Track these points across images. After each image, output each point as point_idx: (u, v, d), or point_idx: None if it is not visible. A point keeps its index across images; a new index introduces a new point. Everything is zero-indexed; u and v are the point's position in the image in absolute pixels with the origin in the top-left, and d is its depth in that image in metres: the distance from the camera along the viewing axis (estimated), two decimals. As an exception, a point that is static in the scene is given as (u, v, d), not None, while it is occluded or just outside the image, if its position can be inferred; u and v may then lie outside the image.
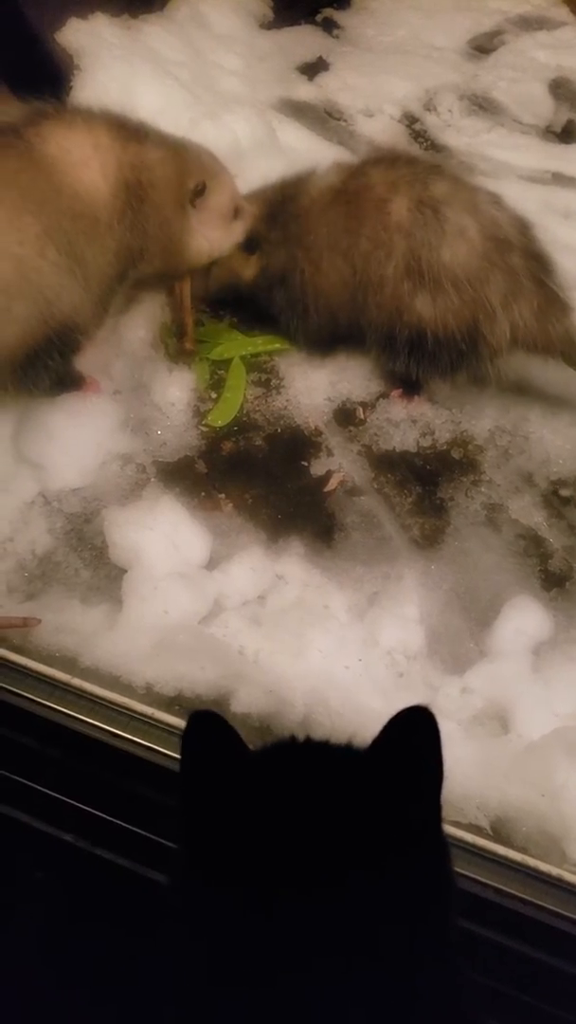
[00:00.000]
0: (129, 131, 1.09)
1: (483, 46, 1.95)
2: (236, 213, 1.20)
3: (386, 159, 1.24)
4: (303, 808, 0.53)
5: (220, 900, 0.51)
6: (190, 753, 0.54)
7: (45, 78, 1.25)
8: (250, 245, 1.22)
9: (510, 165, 1.65)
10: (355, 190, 1.18)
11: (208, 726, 0.55)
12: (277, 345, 1.30)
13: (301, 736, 0.58)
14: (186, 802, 0.54)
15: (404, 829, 0.52)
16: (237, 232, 1.22)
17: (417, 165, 1.22)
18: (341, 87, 1.77)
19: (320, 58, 1.86)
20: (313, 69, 1.83)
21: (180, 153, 1.12)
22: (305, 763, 0.57)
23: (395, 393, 1.25)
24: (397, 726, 0.55)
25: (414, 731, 0.54)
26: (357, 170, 1.21)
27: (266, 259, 1.24)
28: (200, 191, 1.11)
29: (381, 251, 1.15)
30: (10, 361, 1.05)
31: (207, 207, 1.14)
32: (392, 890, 0.51)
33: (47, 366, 1.08)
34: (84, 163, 1.03)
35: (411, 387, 1.24)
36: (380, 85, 1.79)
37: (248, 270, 1.25)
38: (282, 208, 1.22)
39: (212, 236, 1.17)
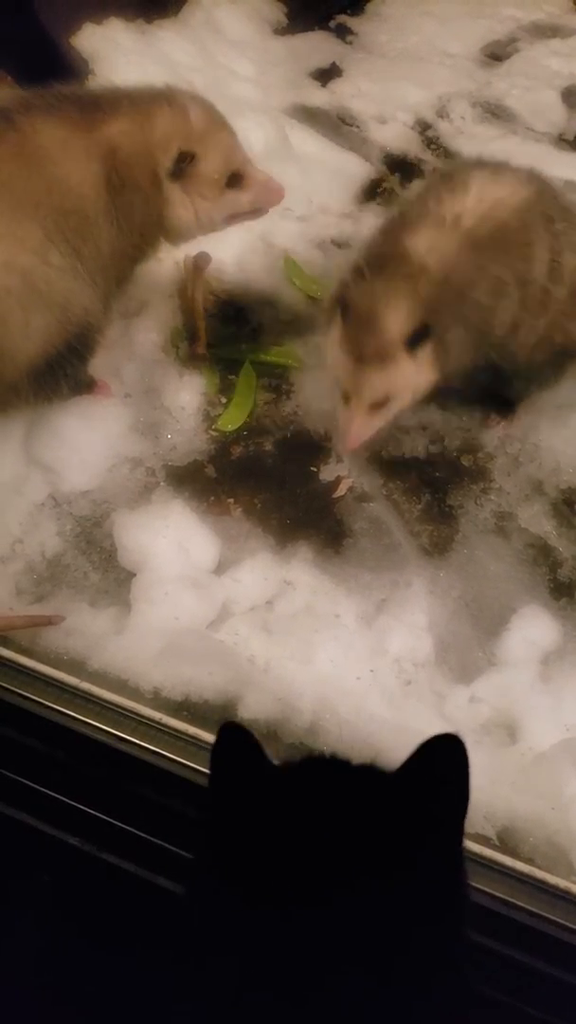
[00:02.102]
0: (100, 109, 1.01)
1: (496, 53, 1.95)
2: (234, 180, 1.08)
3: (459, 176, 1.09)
4: (328, 828, 0.53)
5: (243, 912, 0.51)
6: (219, 767, 0.55)
7: (59, 82, 1.25)
8: (416, 338, 1.00)
9: (522, 173, 1.64)
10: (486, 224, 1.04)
11: (237, 740, 0.55)
12: (289, 361, 1.29)
13: (328, 752, 0.59)
14: (214, 814, 0.55)
15: (425, 852, 0.53)
16: (236, 204, 1.10)
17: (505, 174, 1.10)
18: (354, 93, 1.78)
19: (333, 64, 1.86)
20: (326, 75, 1.84)
21: (151, 121, 1.03)
22: (332, 783, 0.57)
23: (497, 422, 1.23)
24: (428, 751, 0.55)
25: (444, 758, 0.54)
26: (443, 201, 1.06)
27: (450, 334, 1.03)
28: (185, 159, 1.03)
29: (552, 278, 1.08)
30: (31, 373, 1.04)
31: (194, 175, 1.05)
32: (410, 910, 0.51)
33: (66, 373, 1.07)
34: (65, 153, 0.98)
35: (508, 409, 1.23)
36: (393, 91, 1.79)
37: (423, 375, 1.04)
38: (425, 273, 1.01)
39: (201, 206, 1.08)
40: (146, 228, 1.08)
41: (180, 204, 1.08)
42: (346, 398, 1.04)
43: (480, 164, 1.12)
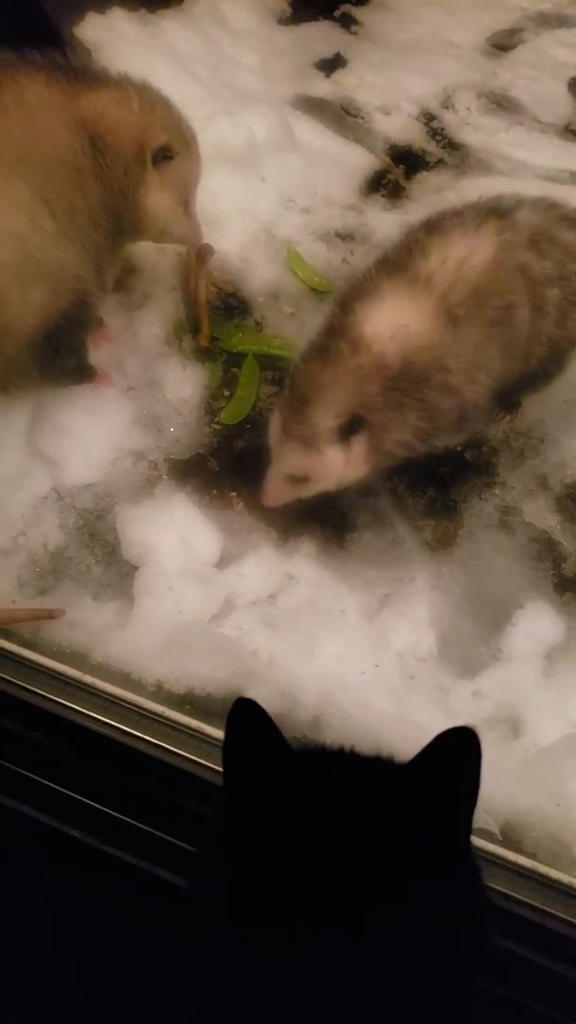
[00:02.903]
0: (92, 79, 1.03)
1: (502, 43, 1.94)
2: (184, 205, 1.13)
3: (433, 233, 1.02)
4: (341, 818, 0.53)
5: (256, 904, 0.51)
6: (233, 740, 0.54)
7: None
8: (347, 430, 0.96)
9: (528, 164, 1.63)
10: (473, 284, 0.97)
11: (251, 714, 0.55)
12: (292, 353, 1.29)
13: (342, 745, 0.59)
14: (228, 789, 0.54)
15: (436, 845, 0.53)
16: (180, 224, 1.14)
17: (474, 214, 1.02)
18: (358, 84, 1.76)
19: (338, 54, 1.84)
20: (331, 65, 1.82)
21: (147, 103, 1.06)
22: (346, 770, 0.57)
23: (501, 416, 1.21)
24: (442, 743, 0.55)
25: (458, 750, 0.54)
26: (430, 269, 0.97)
27: (388, 432, 0.98)
28: (166, 155, 1.07)
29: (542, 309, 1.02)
30: (31, 348, 1.03)
31: (168, 173, 1.09)
32: (423, 903, 0.51)
33: (68, 346, 1.07)
34: (50, 107, 0.98)
35: (512, 403, 1.21)
36: (398, 82, 1.77)
37: (352, 465, 1.00)
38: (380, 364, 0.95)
39: (167, 203, 1.11)
40: (126, 196, 1.07)
41: (155, 189, 1.09)
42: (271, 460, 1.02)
43: (451, 215, 1.03)
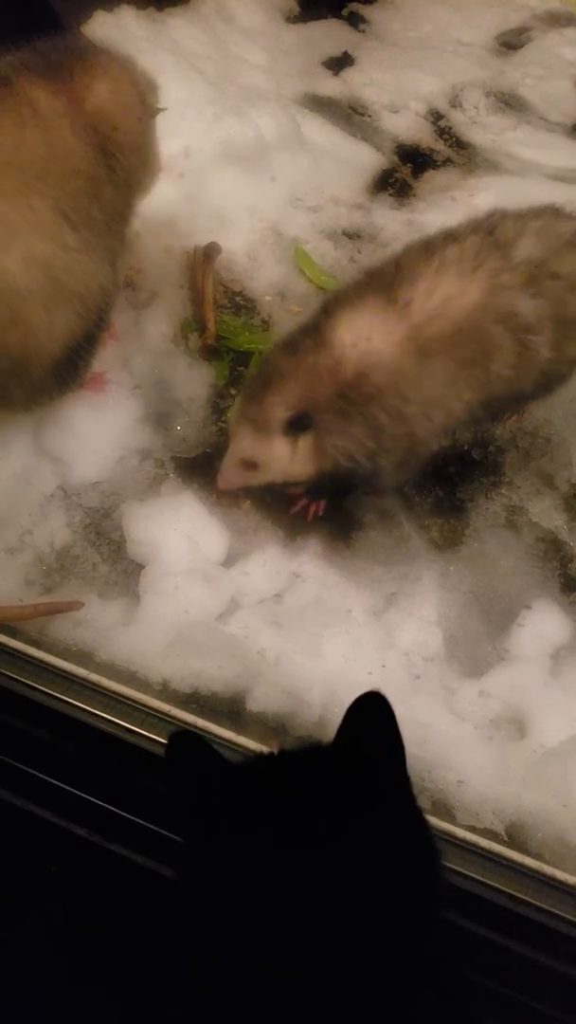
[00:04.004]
0: (80, 70, 0.99)
1: (510, 42, 1.93)
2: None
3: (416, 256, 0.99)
4: (285, 798, 0.55)
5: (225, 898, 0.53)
6: (172, 772, 0.58)
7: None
8: (294, 426, 0.97)
9: (536, 163, 1.63)
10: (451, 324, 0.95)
11: (189, 746, 0.58)
12: None
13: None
14: (176, 811, 0.58)
15: (377, 801, 0.55)
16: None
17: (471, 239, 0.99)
18: (366, 82, 1.76)
19: (345, 53, 1.84)
20: (338, 64, 1.82)
21: (133, 79, 1.04)
22: (282, 767, 0.59)
23: (508, 416, 1.20)
24: (354, 714, 0.58)
25: (370, 714, 0.58)
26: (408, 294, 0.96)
27: (333, 438, 0.98)
28: (154, 112, 1.07)
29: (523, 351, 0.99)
30: (56, 368, 1.03)
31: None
32: (372, 854, 0.53)
33: (88, 357, 1.07)
34: (56, 111, 0.95)
35: (519, 403, 1.19)
36: (406, 81, 1.77)
37: (298, 464, 1.00)
38: (336, 373, 0.95)
39: (158, 152, 1.09)
40: (137, 180, 1.07)
41: (156, 145, 1.09)
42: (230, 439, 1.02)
43: (453, 243, 0.99)
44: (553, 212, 1.05)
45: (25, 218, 0.93)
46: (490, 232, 0.99)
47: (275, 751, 0.60)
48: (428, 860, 0.57)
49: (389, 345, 0.94)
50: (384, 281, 0.98)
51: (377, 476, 1.03)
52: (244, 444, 1.00)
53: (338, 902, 0.51)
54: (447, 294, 0.95)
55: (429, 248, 1.00)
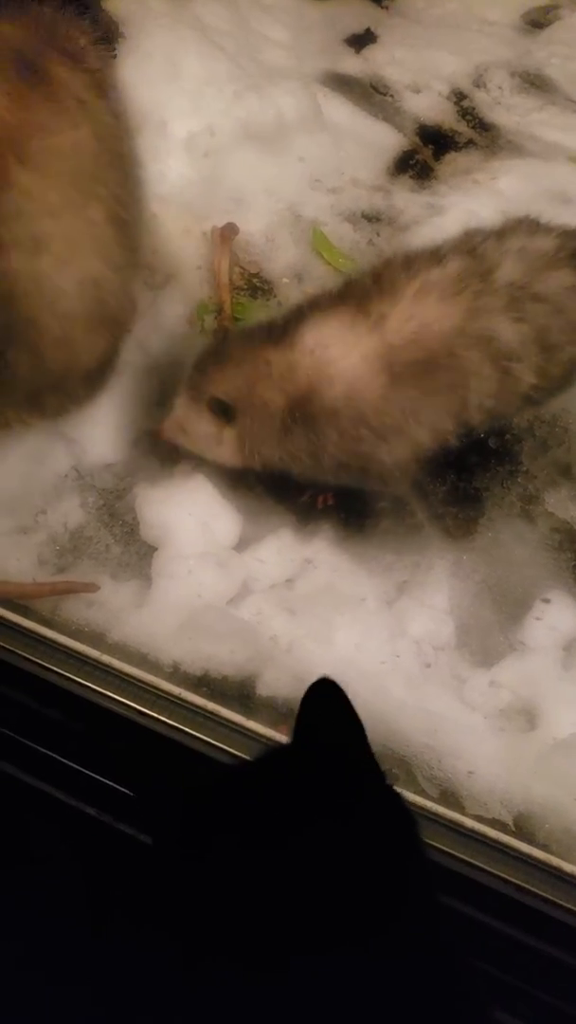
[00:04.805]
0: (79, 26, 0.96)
1: (537, 21, 1.89)
2: None
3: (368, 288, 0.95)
4: (257, 806, 0.55)
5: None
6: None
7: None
8: (217, 409, 0.96)
9: (561, 146, 1.60)
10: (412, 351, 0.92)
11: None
12: None
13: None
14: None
15: (350, 787, 0.55)
16: None
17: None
18: (388, 61, 1.73)
19: (368, 30, 1.81)
20: (361, 41, 1.78)
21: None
22: (244, 778, 0.60)
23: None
24: (309, 704, 0.59)
25: (324, 702, 0.58)
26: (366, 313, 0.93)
27: (259, 444, 0.97)
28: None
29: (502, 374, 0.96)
30: (89, 378, 1.04)
31: None
32: (356, 845, 0.54)
33: (112, 365, 1.07)
34: (92, 93, 0.92)
35: None
36: (429, 60, 1.74)
37: (221, 448, 1.00)
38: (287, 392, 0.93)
39: None
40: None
41: None
42: None
43: (436, 266, 0.95)
44: (530, 227, 1.01)
45: (85, 233, 0.92)
46: (471, 253, 0.96)
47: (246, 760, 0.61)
48: (411, 841, 0.57)
49: (351, 357, 0.91)
50: (360, 291, 0.95)
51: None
52: (180, 406, 0.99)
53: (330, 898, 0.52)
54: (425, 320, 0.92)
55: (412, 265, 0.96)
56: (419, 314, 0.92)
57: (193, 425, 1.00)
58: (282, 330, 0.94)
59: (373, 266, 1.00)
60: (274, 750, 0.60)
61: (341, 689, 0.58)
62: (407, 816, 0.58)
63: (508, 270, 0.95)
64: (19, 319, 0.91)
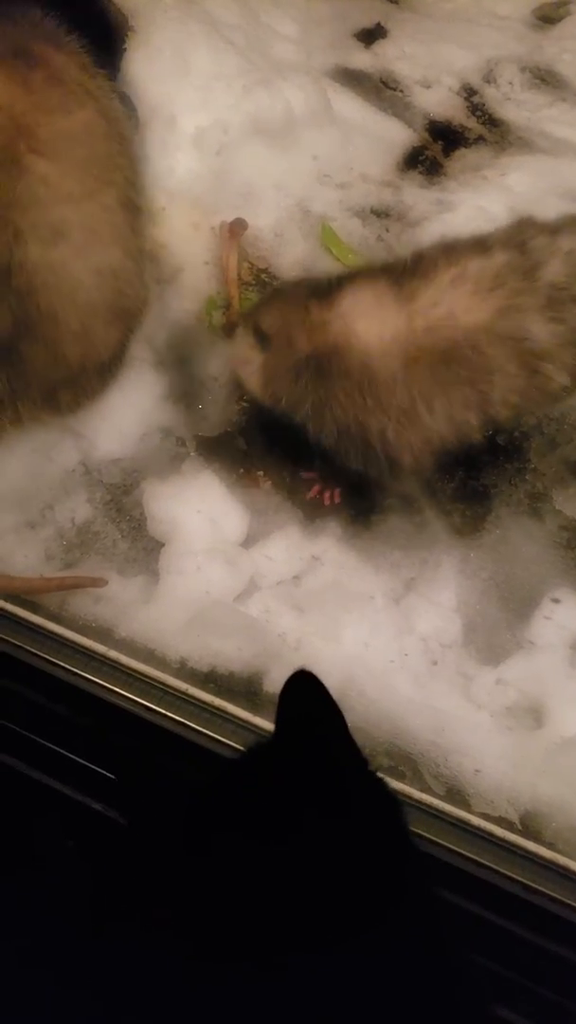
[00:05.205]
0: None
1: (549, 16, 1.88)
2: None
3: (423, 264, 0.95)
4: (244, 804, 0.56)
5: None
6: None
7: (99, 39, 1.22)
8: (259, 336, 1.00)
9: (571, 142, 1.59)
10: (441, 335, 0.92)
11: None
12: None
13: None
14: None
15: (331, 771, 0.55)
16: None
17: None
18: (398, 55, 1.72)
19: (378, 25, 1.80)
20: (370, 36, 1.78)
21: None
22: (233, 781, 0.59)
23: None
24: (288, 698, 0.59)
25: (302, 694, 0.58)
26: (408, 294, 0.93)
27: (275, 381, 1.01)
28: None
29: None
30: (101, 371, 1.03)
31: None
32: (348, 842, 0.54)
33: (123, 358, 1.06)
34: (89, 76, 0.92)
35: None
36: (439, 54, 1.73)
37: (252, 374, 1.03)
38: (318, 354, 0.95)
39: None
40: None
41: None
42: None
43: (478, 255, 0.94)
44: None
45: (103, 220, 0.91)
46: (521, 249, 0.95)
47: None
48: (399, 826, 0.57)
49: (373, 330, 0.92)
50: (401, 268, 0.96)
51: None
52: (242, 327, 1.04)
53: (322, 889, 0.52)
54: (453, 309, 0.92)
55: (453, 252, 0.96)
56: (448, 302, 0.92)
57: (240, 345, 1.04)
58: (328, 288, 0.96)
59: (417, 247, 1.01)
60: (256, 746, 0.60)
61: (318, 680, 0.57)
62: (393, 802, 0.58)
63: (553, 270, 0.94)
64: (38, 312, 0.90)
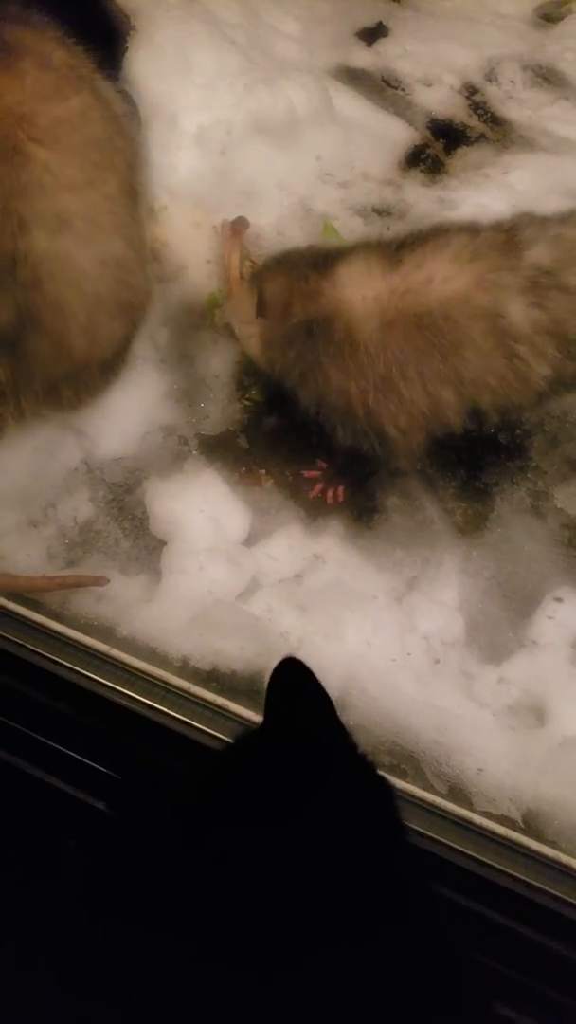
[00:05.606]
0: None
1: (550, 14, 1.87)
2: None
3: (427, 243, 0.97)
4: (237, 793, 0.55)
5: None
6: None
7: (102, 38, 1.22)
8: (260, 300, 1.01)
9: (572, 140, 1.59)
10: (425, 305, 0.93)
11: None
12: None
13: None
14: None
15: (323, 757, 0.55)
16: None
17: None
18: (400, 54, 1.72)
19: (380, 23, 1.80)
20: (372, 35, 1.77)
21: None
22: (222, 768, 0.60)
23: None
24: (276, 686, 0.58)
25: (291, 681, 0.58)
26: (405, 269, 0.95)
27: (279, 356, 1.02)
28: None
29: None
30: (104, 367, 1.03)
31: None
32: (343, 832, 0.54)
33: (126, 354, 1.06)
34: (79, 61, 0.91)
35: None
36: (441, 53, 1.73)
37: (251, 337, 1.05)
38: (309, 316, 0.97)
39: None
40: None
41: None
42: None
43: (461, 232, 0.96)
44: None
45: (105, 209, 0.90)
46: (508, 231, 0.96)
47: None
48: (391, 812, 0.57)
49: (358, 295, 0.94)
50: (393, 241, 0.98)
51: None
52: (243, 287, 1.06)
53: (318, 880, 0.51)
54: (432, 274, 0.93)
55: (442, 228, 0.98)
56: (428, 267, 0.93)
57: (243, 306, 1.05)
58: (326, 259, 0.98)
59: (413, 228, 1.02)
60: (245, 736, 0.59)
61: (307, 667, 0.57)
62: (383, 785, 0.58)
63: (538, 252, 0.94)
64: (43, 302, 0.89)
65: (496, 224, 0.98)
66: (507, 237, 0.95)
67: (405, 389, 0.96)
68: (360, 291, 0.95)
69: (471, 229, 0.97)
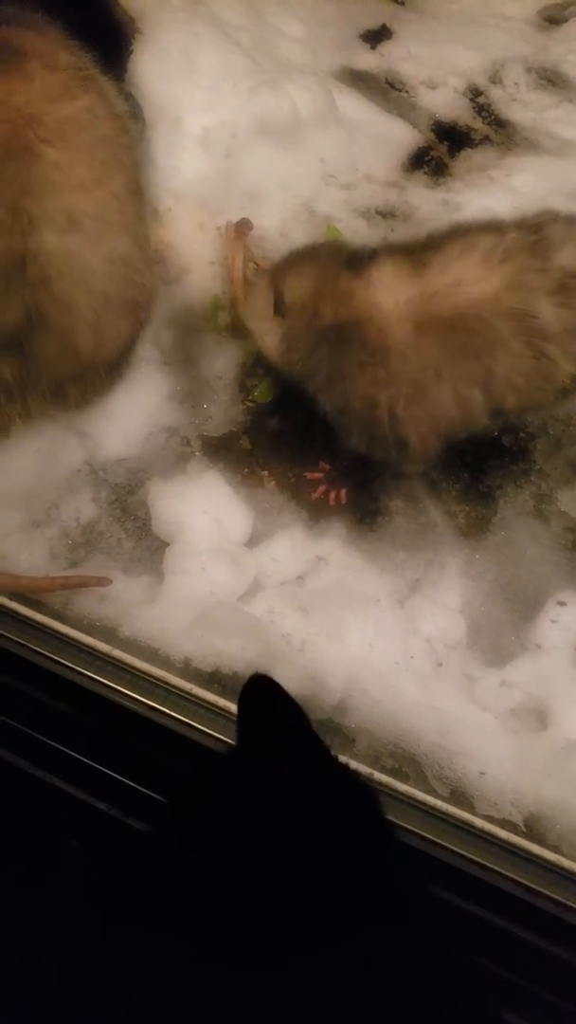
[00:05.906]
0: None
1: (555, 16, 1.88)
2: None
3: (453, 242, 0.97)
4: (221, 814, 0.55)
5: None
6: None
7: (107, 40, 1.22)
8: (281, 300, 1.00)
9: (576, 143, 1.59)
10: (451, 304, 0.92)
11: None
12: None
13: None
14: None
15: (300, 770, 0.55)
16: None
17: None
18: (404, 56, 1.72)
19: (384, 26, 1.80)
20: (376, 37, 1.78)
21: None
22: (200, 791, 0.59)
23: None
24: (247, 704, 0.58)
25: (260, 698, 0.58)
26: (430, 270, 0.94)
27: (303, 358, 1.01)
28: None
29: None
30: (110, 367, 1.03)
31: None
32: (333, 841, 0.53)
33: (131, 355, 1.06)
34: (82, 62, 0.91)
35: None
36: (445, 55, 1.73)
37: (268, 335, 1.03)
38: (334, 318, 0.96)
39: None
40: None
41: None
42: None
43: (489, 232, 0.96)
44: None
45: (113, 207, 0.90)
46: (535, 230, 0.96)
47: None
48: (377, 816, 0.57)
49: (390, 301, 0.93)
50: (418, 244, 0.98)
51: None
52: (261, 283, 1.03)
53: (308, 890, 0.51)
54: (461, 277, 0.93)
55: (462, 229, 0.98)
56: (457, 269, 0.93)
57: (260, 304, 1.02)
58: (359, 260, 0.97)
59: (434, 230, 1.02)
60: (221, 756, 0.59)
61: (275, 681, 0.57)
62: (368, 789, 0.58)
63: (568, 255, 0.94)
64: (52, 301, 0.90)
65: (520, 222, 0.98)
66: (536, 239, 0.95)
67: (436, 392, 0.96)
68: (393, 294, 0.94)
69: (494, 228, 0.97)
